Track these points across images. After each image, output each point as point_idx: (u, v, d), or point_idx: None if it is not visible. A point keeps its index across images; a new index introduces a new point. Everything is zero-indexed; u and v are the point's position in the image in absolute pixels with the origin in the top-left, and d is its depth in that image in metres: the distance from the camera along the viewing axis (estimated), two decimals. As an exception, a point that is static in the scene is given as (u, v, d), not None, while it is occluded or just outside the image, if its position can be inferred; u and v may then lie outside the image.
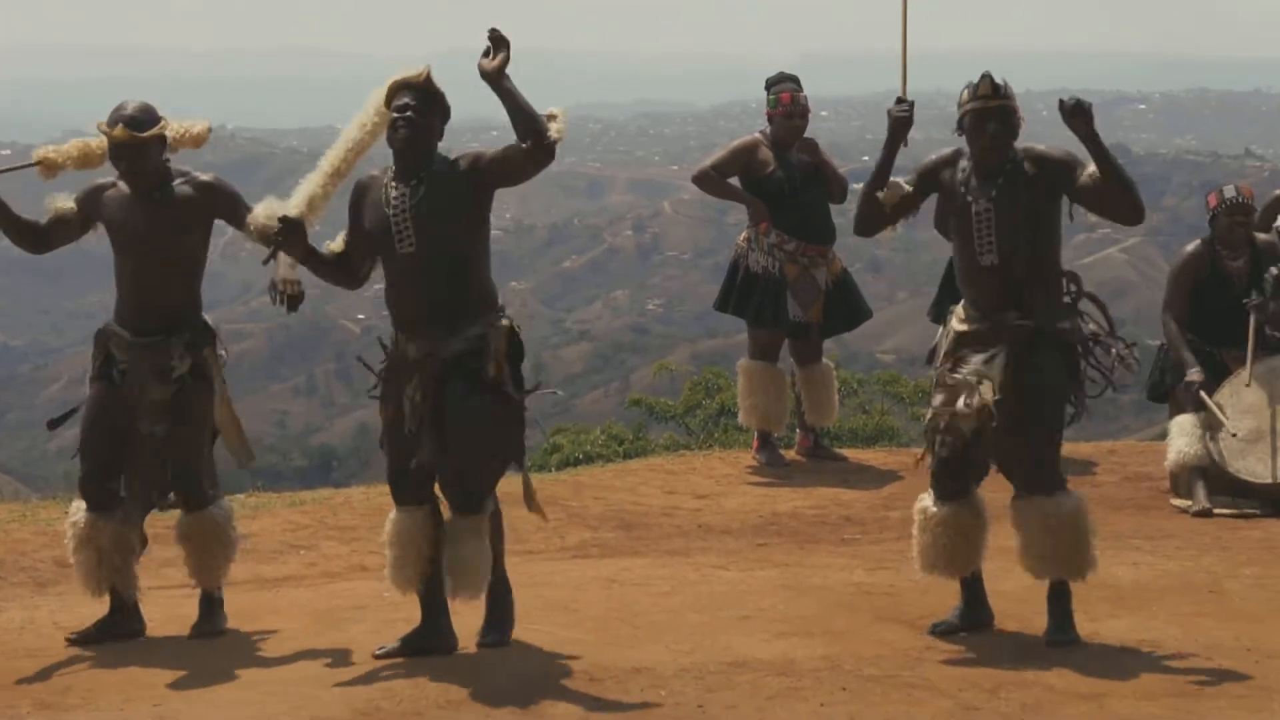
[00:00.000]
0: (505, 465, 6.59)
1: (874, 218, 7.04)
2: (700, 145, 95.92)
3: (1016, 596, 7.32)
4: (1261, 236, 10.09)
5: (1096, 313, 7.00)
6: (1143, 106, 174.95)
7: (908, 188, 6.97)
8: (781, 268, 10.37)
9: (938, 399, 6.82)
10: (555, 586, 7.66)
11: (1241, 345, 9.61)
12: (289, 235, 6.52)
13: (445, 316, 6.45)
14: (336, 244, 6.69)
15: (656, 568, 8.13)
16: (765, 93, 10.61)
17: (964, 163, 6.84)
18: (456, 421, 6.40)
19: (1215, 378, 9.59)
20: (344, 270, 6.69)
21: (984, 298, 6.78)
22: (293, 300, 7.01)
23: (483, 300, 6.51)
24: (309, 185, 6.82)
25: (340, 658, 6.58)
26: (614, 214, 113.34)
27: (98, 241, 7.06)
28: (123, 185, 6.99)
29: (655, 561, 8.32)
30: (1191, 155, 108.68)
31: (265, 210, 6.82)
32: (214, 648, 6.78)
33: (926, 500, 6.89)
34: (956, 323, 6.87)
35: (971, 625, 6.89)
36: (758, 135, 10.62)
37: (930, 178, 6.96)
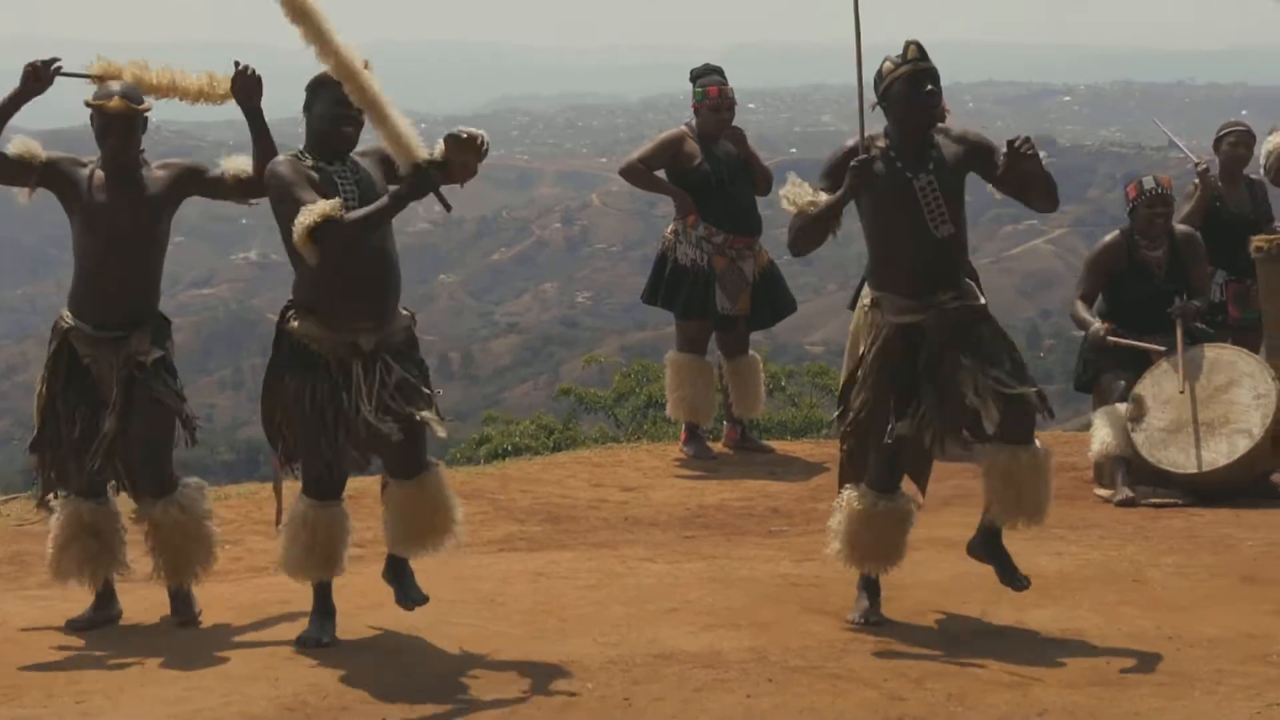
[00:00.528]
0: None
1: (816, 242, 6.89)
2: (629, 137, 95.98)
3: (941, 586, 7.38)
4: (1180, 228, 10.18)
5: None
6: (1068, 99, 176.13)
7: (817, 191, 6.82)
8: (709, 260, 10.39)
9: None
10: (482, 580, 7.66)
11: (1160, 334, 9.71)
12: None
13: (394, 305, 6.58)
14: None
15: (583, 560, 8.14)
16: (690, 85, 10.63)
17: (881, 143, 6.77)
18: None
19: (1136, 368, 9.67)
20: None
21: (927, 276, 6.71)
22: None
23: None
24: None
25: (266, 653, 6.55)
26: (543, 206, 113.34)
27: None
28: (99, 170, 6.93)
29: (582, 554, 8.32)
30: (1116, 147, 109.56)
31: (234, 164, 6.96)
32: (138, 643, 6.74)
33: (855, 495, 6.90)
34: (893, 316, 6.78)
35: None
36: (684, 128, 10.64)
37: (841, 168, 6.78)
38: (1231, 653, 6.43)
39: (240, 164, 6.98)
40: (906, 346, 6.77)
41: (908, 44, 6.78)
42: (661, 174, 10.58)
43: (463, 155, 6.27)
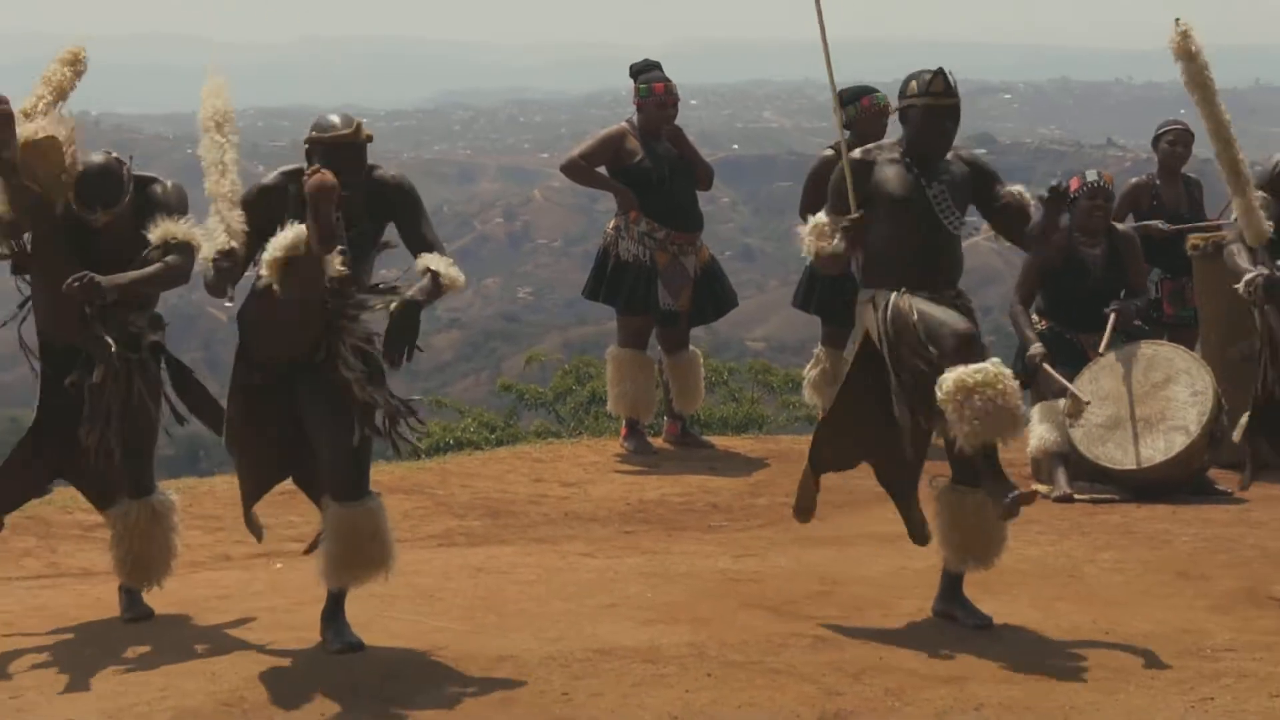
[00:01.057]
0: None
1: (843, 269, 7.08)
2: (571, 133, 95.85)
3: (879, 582, 7.41)
4: (1120, 226, 10.25)
5: None
6: (1008, 96, 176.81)
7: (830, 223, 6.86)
8: (651, 256, 10.40)
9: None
10: (421, 575, 7.64)
11: (1097, 332, 9.78)
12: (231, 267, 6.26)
13: None
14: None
15: (523, 556, 8.13)
16: (633, 81, 10.62)
17: (892, 154, 6.79)
18: None
19: (1074, 364, 9.72)
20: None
21: (935, 271, 6.72)
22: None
23: None
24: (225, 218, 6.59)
25: (204, 647, 6.52)
26: (484, 202, 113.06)
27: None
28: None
29: (522, 549, 8.32)
30: (1055, 145, 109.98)
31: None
32: (74, 639, 6.70)
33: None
34: (907, 305, 6.67)
35: None
36: (625, 124, 10.63)
37: (865, 184, 6.81)
38: (1166, 647, 6.48)
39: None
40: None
41: (936, 75, 6.74)
42: (603, 170, 10.57)
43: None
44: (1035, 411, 9.75)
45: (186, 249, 6.61)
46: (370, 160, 6.40)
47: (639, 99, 10.54)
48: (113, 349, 6.69)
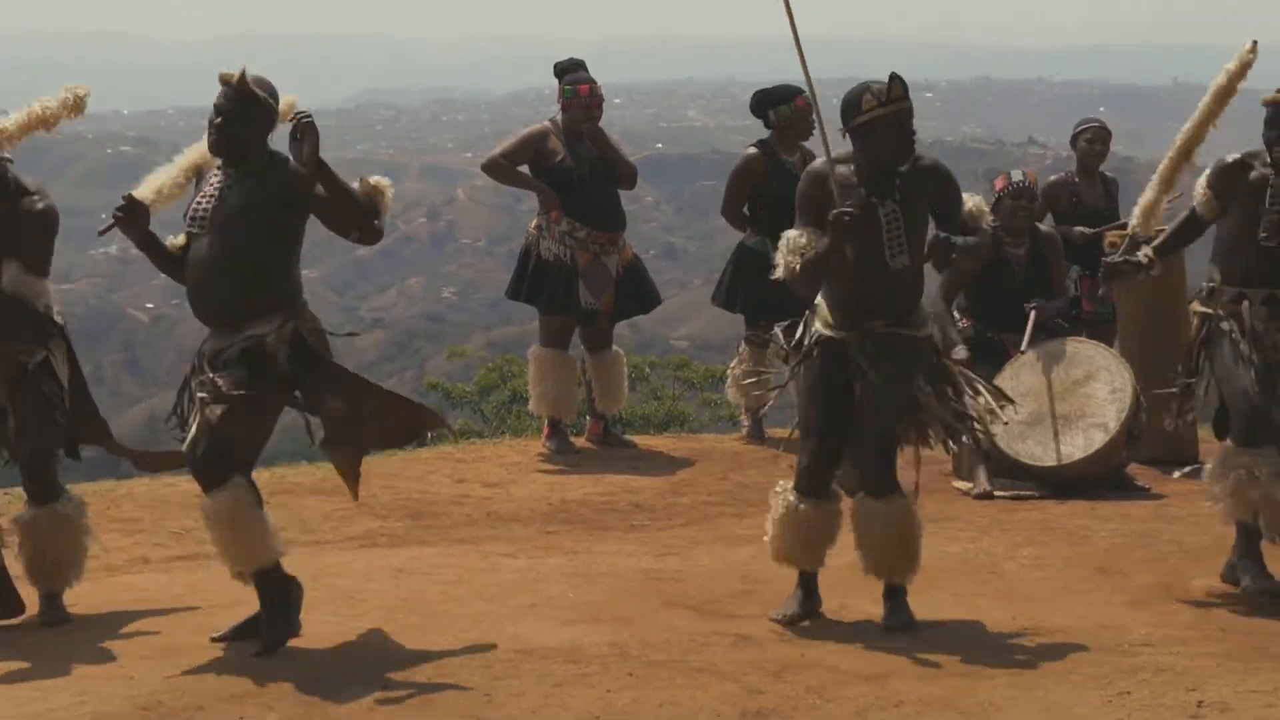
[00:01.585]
0: None
1: (818, 286, 6.89)
2: (494, 132, 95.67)
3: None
4: (1042, 227, 10.32)
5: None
6: (930, 95, 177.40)
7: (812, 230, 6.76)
8: (573, 255, 10.39)
9: None
10: (342, 577, 7.61)
11: (1020, 330, 9.85)
12: (129, 215, 6.44)
13: (230, 315, 6.43)
14: (179, 240, 6.60)
15: (445, 557, 8.11)
16: (557, 80, 10.60)
17: (844, 169, 6.73)
18: None
19: (996, 363, 9.78)
20: (180, 266, 6.58)
21: (867, 303, 6.71)
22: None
23: (278, 302, 6.45)
24: (161, 175, 6.72)
25: (122, 651, 6.48)
26: (408, 201, 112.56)
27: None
28: None
29: (444, 550, 8.30)
30: (977, 143, 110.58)
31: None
32: (-9, 644, 6.65)
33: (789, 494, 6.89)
34: (822, 328, 6.81)
35: (809, 613, 6.93)
36: (547, 123, 10.62)
37: (818, 200, 6.76)
38: (1085, 642, 6.54)
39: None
40: (835, 359, 6.80)
41: (892, 80, 6.69)
42: (525, 169, 10.56)
43: None
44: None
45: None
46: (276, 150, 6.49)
47: (564, 100, 10.52)
48: None
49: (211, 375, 6.35)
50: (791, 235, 6.77)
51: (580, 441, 10.84)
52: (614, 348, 10.81)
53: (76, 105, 7.18)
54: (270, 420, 6.53)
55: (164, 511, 8.93)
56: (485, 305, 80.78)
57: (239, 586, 6.66)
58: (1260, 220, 7.22)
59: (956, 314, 10.00)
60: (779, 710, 5.81)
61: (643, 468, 10.26)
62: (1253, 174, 7.24)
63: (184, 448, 6.44)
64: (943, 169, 6.86)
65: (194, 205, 6.49)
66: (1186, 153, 7.58)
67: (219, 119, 6.42)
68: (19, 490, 7.39)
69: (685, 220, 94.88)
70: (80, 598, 7.22)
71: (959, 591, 7.32)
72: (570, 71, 10.58)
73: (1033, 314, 9.82)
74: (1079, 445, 9.42)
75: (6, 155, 6.89)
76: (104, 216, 6.59)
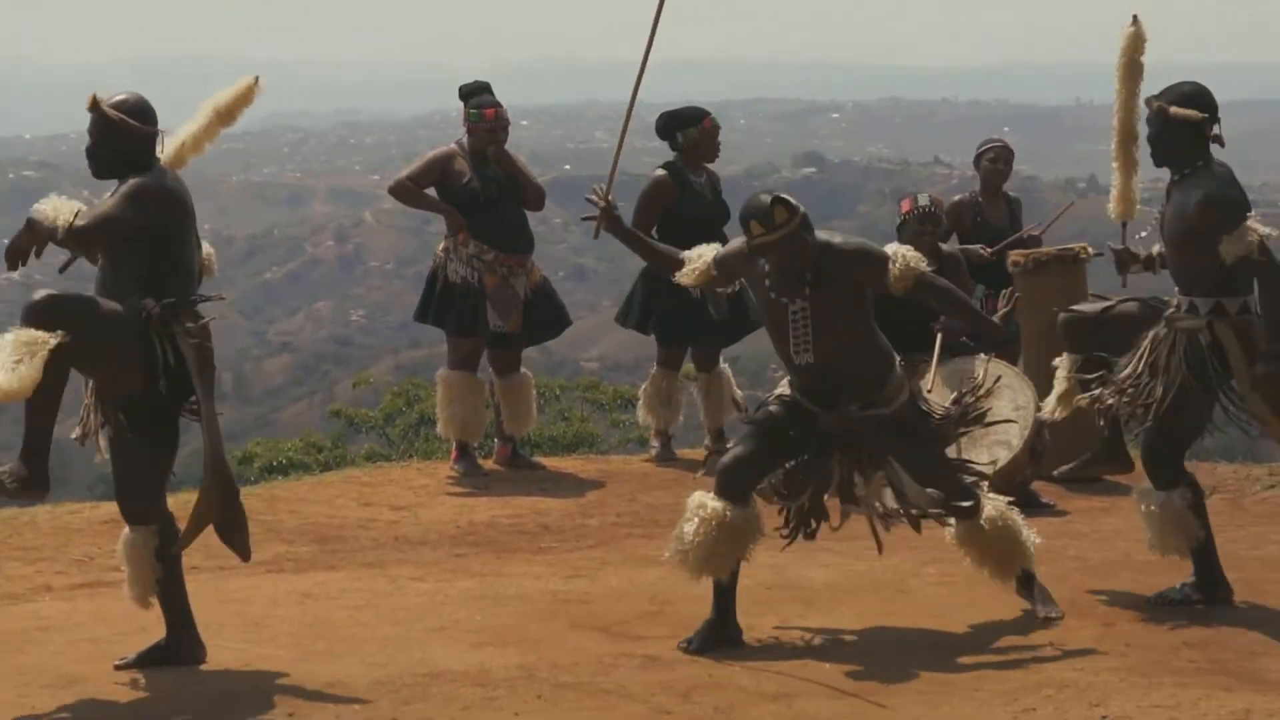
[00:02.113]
0: None
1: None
2: (402, 154, 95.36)
3: (709, 601, 7.41)
4: (945, 247, 10.38)
5: None
6: (836, 115, 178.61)
7: (712, 271, 7.01)
8: (480, 278, 10.37)
9: None
10: (249, 602, 7.56)
11: (924, 351, 9.89)
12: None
13: None
14: None
15: (352, 581, 8.07)
16: (462, 103, 10.59)
17: (760, 262, 6.80)
18: None
19: (901, 381, 9.82)
20: None
21: (812, 391, 6.88)
22: None
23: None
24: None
25: (25, 680, 6.40)
26: (315, 224, 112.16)
27: None
28: None
29: (351, 575, 8.25)
30: (883, 163, 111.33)
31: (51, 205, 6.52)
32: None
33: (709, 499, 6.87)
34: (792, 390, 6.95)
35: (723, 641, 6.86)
36: (454, 146, 10.61)
37: (729, 268, 7.01)
38: (991, 659, 6.59)
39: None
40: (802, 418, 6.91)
41: (774, 207, 6.63)
42: (432, 192, 10.54)
43: None
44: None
45: None
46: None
47: (469, 123, 10.51)
48: None
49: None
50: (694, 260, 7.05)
51: (488, 464, 10.82)
52: (522, 370, 10.80)
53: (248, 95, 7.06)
54: None
55: (66, 539, 8.84)
56: (394, 328, 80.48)
57: (140, 613, 6.61)
58: None
59: None
60: (687, 731, 5.82)
61: (551, 490, 10.24)
62: None
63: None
64: (855, 253, 6.81)
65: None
66: (1129, 132, 7.68)
67: (88, 144, 6.44)
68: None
69: (594, 242, 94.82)
70: (-19, 627, 7.15)
71: (866, 610, 7.35)
72: (475, 94, 10.58)
73: (939, 334, 9.86)
74: (983, 462, 9.46)
75: None
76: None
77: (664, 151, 10.81)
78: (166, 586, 6.51)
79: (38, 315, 6.06)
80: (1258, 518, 9.37)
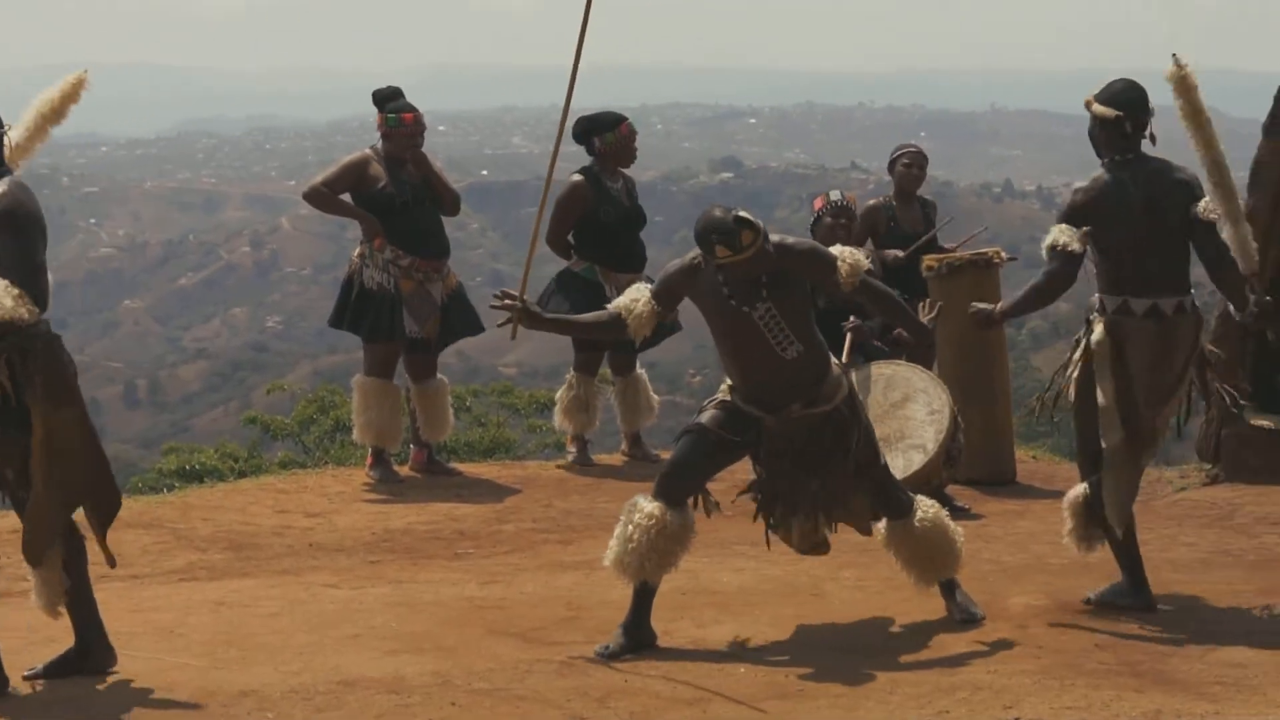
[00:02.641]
0: None
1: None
2: (318, 160, 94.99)
3: (624, 605, 7.42)
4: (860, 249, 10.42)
5: None
6: (753, 121, 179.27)
7: (656, 310, 6.96)
8: (396, 283, 10.34)
9: None
10: (161, 611, 7.50)
11: (835, 353, 9.91)
12: None
13: None
14: None
15: (266, 588, 8.02)
16: (378, 109, 10.55)
17: (710, 274, 6.79)
18: None
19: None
20: None
21: (779, 391, 6.86)
22: None
23: None
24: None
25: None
26: (231, 230, 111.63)
27: None
28: None
29: (265, 582, 8.20)
30: (800, 168, 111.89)
31: None
32: None
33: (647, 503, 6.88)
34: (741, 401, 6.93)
35: (639, 645, 6.86)
36: (369, 151, 10.57)
37: (671, 297, 6.98)
38: (905, 662, 6.61)
39: None
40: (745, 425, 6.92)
41: (741, 229, 6.63)
42: (347, 197, 10.49)
43: None
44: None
45: None
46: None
47: (387, 128, 10.46)
48: None
49: None
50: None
51: (404, 470, 10.78)
52: (439, 376, 10.77)
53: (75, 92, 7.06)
54: None
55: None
56: (311, 334, 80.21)
57: (49, 622, 6.54)
58: None
59: None
60: (603, 736, 5.81)
61: (467, 495, 10.21)
62: None
63: None
64: (808, 253, 6.87)
65: None
66: (1227, 188, 7.37)
67: None
68: None
69: (511, 247, 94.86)
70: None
71: (781, 614, 7.36)
72: (391, 100, 10.54)
73: (849, 334, 9.89)
74: (898, 467, 9.48)
75: None
76: None
77: (580, 156, 10.80)
78: (75, 595, 6.45)
79: None
80: (1168, 520, 9.45)
